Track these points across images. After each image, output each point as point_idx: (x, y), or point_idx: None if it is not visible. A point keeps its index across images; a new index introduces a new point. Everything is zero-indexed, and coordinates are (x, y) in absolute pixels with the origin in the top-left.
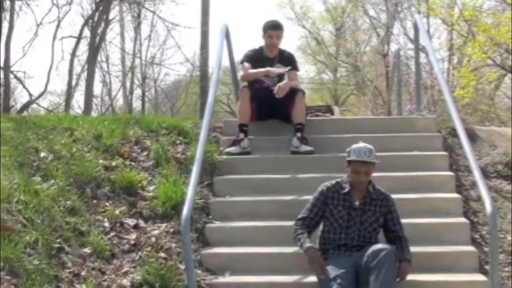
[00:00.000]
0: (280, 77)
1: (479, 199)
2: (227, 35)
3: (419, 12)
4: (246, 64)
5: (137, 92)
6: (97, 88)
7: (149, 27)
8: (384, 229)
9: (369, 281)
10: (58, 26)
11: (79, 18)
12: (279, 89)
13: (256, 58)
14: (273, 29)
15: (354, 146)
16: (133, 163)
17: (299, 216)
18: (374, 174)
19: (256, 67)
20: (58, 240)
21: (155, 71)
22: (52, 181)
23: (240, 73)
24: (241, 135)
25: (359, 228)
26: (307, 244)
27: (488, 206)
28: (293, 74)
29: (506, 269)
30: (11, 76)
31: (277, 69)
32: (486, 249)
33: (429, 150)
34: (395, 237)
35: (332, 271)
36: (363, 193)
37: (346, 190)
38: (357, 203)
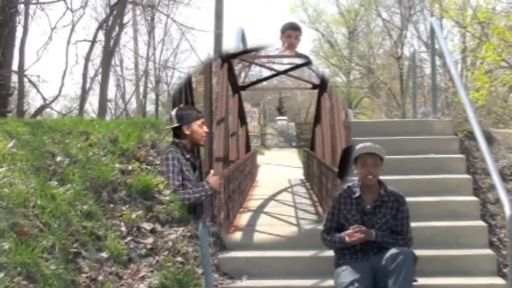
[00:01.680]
0: None
1: (496, 202)
2: (243, 39)
3: (432, 15)
4: None
5: (151, 96)
6: (111, 92)
7: (163, 30)
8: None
9: (387, 284)
10: (72, 30)
11: (93, 22)
12: None
13: None
14: (292, 29)
15: (357, 146)
16: (149, 167)
17: (322, 229)
18: (391, 177)
19: None
20: (75, 245)
21: (169, 74)
22: (69, 185)
23: None
24: None
25: None
26: (341, 235)
27: (507, 209)
28: None
29: None
30: (25, 80)
31: None
32: (504, 252)
33: (446, 153)
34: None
35: (350, 275)
36: (374, 196)
37: (357, 194)
38: (368, 206)
